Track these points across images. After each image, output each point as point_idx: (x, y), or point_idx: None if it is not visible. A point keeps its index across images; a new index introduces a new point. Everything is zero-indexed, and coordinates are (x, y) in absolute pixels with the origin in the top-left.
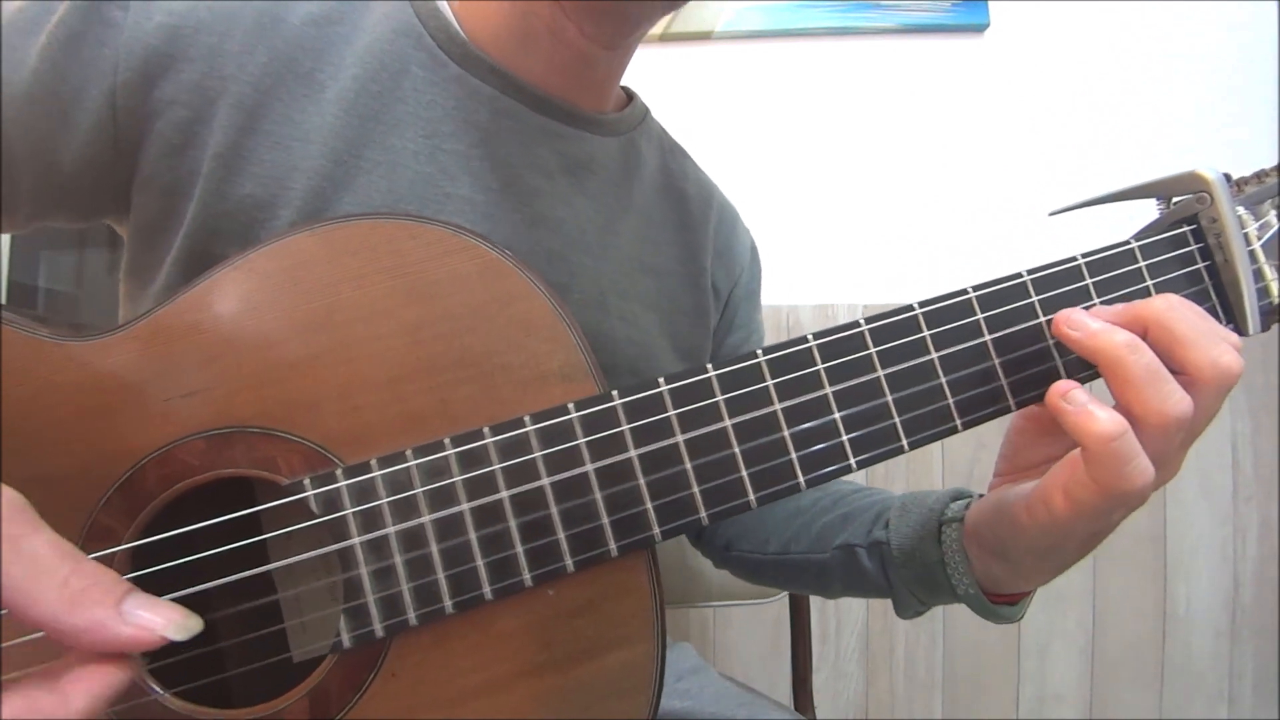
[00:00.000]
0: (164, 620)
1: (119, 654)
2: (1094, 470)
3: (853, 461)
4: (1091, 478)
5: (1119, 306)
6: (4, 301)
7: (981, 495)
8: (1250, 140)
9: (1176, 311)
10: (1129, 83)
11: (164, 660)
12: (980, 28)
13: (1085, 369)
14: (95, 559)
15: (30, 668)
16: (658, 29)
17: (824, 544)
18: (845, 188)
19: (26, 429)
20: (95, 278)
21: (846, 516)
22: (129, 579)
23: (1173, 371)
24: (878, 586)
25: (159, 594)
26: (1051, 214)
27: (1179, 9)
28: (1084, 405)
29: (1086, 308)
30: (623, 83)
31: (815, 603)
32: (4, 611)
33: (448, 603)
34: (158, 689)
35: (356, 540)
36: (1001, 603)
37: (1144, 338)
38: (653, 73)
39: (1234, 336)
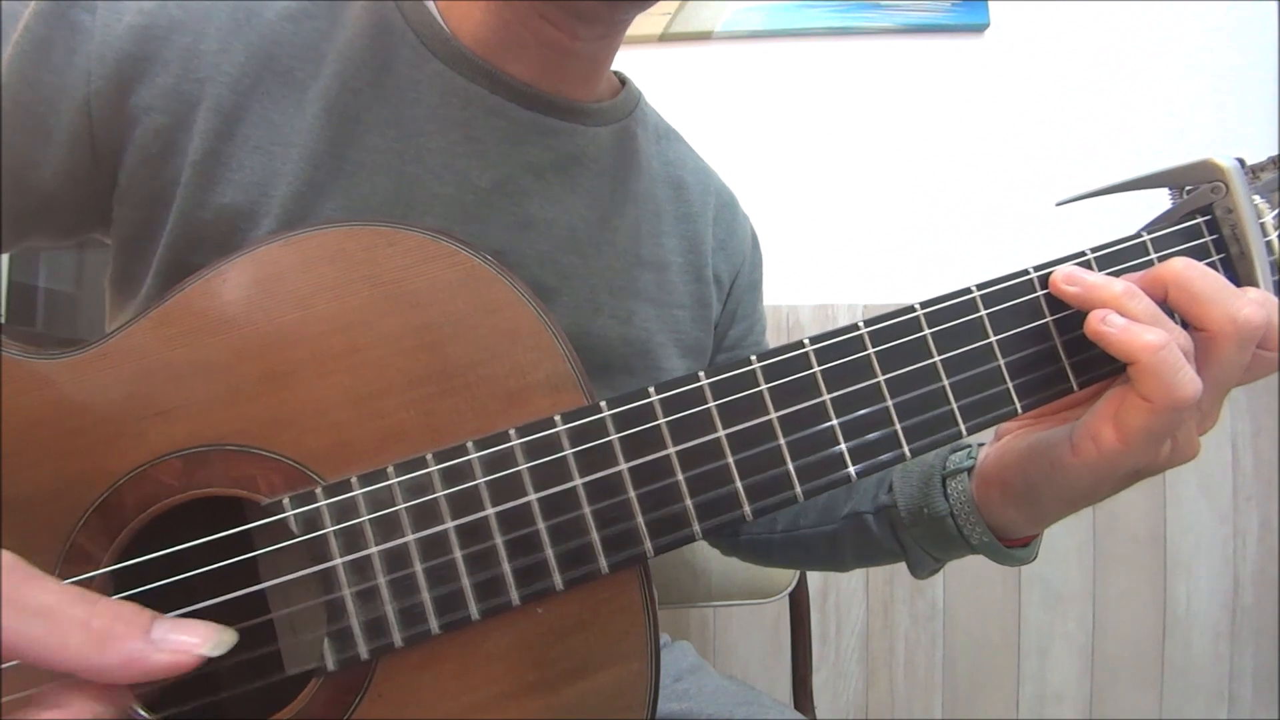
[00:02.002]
0: (198, 639)
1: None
2: (1145, 385)
3: (852, 470)
4: (1143, 395)
5: (1141, 273)
6: (4, 301)
7: (982, 445)
8: (1250, 140)
9: (1194, 270)
10: (1129, 83)
11: (151, 684)
12: (980, 28)
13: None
14: (75, 582)
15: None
16: (657, 29)
17: (832, 516)
18: (845, 187)
19: (2, 453)
20: (95, 278)
21: (850, 486)
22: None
23: (1196, 329)
24: (890, 551)
25: None
26: (1058, 204)
27: (1179, 9)
28: (1125, 323)
29: (1117, 272)
30: (625, 76)
31: (815, 602)
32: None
33: (434, 624)
34: (143, 713)
35: (338, 561)
36: (1013, 546)
37: (1164, 298)
38: (653, 73)
39: (1254, 291)
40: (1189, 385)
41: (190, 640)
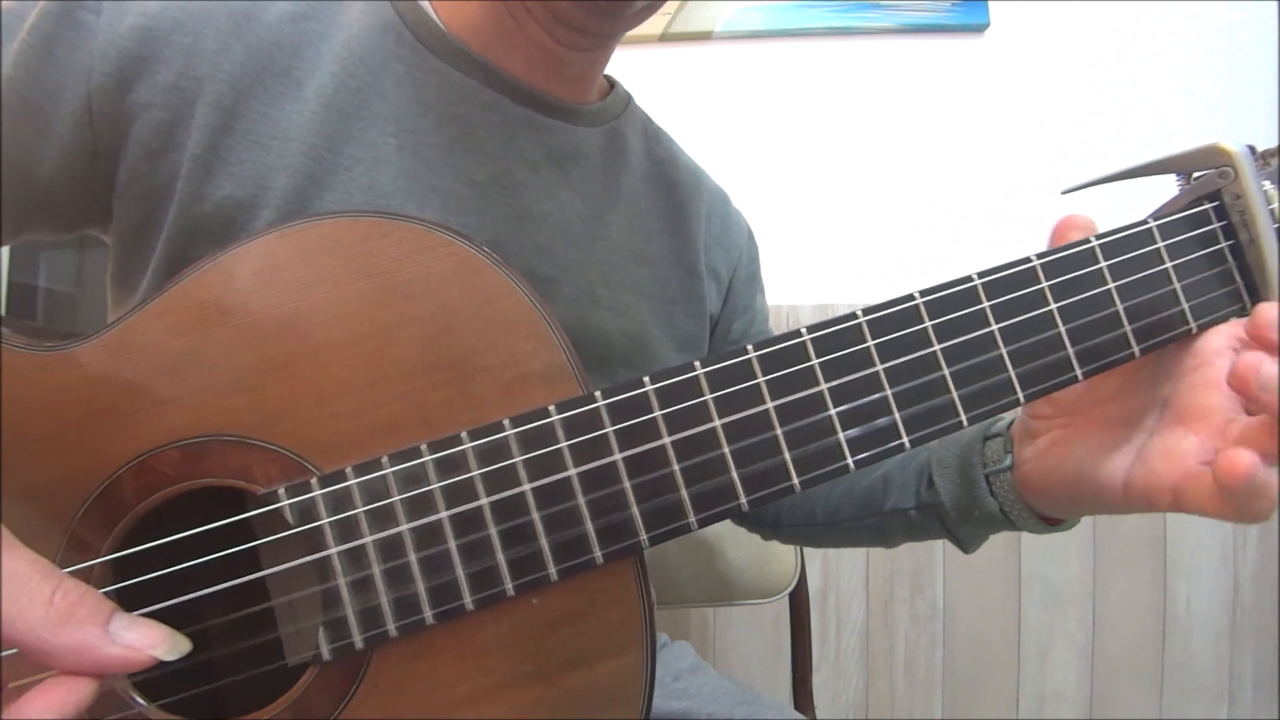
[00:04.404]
0: (152, 640)
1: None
2: (1226, 507)
3: (850, 461)
4: (1217, 507)
5: None
6: (3, 300)
7: (1011, 423)
8: (1251, 140)
9: None
10: (1129, 83)
11: (151, 672)
12: (980, 28)
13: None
14: (74, 571)
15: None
16: (657, 29)
17: (871, 509)
18: (845, 187)
19: (2, 441)
20: (95, 278)
21: (886, 478)
22: (112, 590)
23: None
24: (937, 536)
25: (142, 605)
26: (1064, 192)
27: (1179, 9)
28: (1265, 482)
29: (1124, 263)
30: (614, 78)
31: (815, 602)
32: None
33: (428, 614)
34: (140, 700)
35: (333, 551)
36: (1055, 522)
37: None
38: (653, 73)
39: None
40: (1267, 512)
41: (144, 640)
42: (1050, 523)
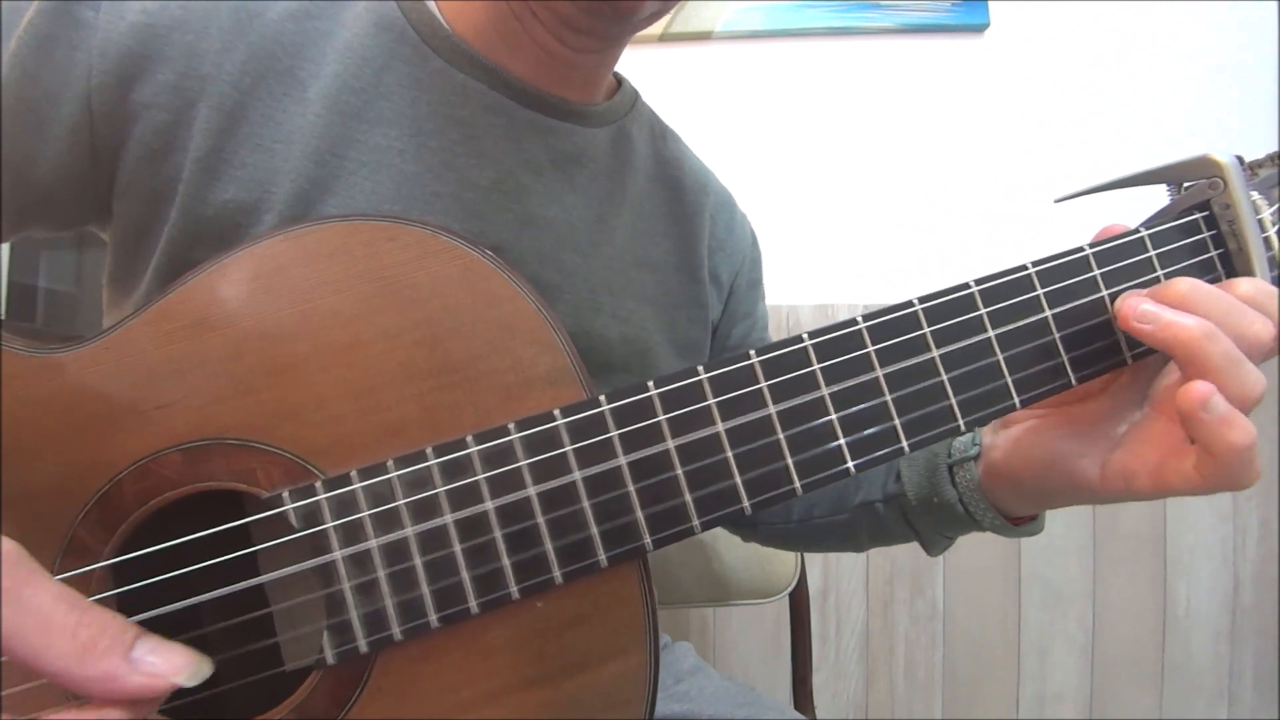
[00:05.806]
0: (173, 666)
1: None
2: (1211, 469)
3: (850, 465)
4: (1203, 475)
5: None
6: (3, 301)
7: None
8: (1251, 141)
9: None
10: (1129, 83)
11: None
12: (980, 28)
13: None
14: (74, 576)
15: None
16: (657, 29)
17: (843, 505)
18: (845, 187)
19: (2, 443)
20: (95, 277)
21: (859, 475)
22: (112, 595)
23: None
24: (902, 535)
25: (145, 609)
26: (1057, 201)
27: (1179, 9)
28: (1225, 414)
29: (1116, 271)
30: (621, 75)
31: (815, 602)
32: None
33: (433, 617)
34: None
35: (338, 554)
36: (1019, 522)
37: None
38: (653, 73)
39: None
40: (1253, 477)
41: (166, 667)
42: (1015, 523)
